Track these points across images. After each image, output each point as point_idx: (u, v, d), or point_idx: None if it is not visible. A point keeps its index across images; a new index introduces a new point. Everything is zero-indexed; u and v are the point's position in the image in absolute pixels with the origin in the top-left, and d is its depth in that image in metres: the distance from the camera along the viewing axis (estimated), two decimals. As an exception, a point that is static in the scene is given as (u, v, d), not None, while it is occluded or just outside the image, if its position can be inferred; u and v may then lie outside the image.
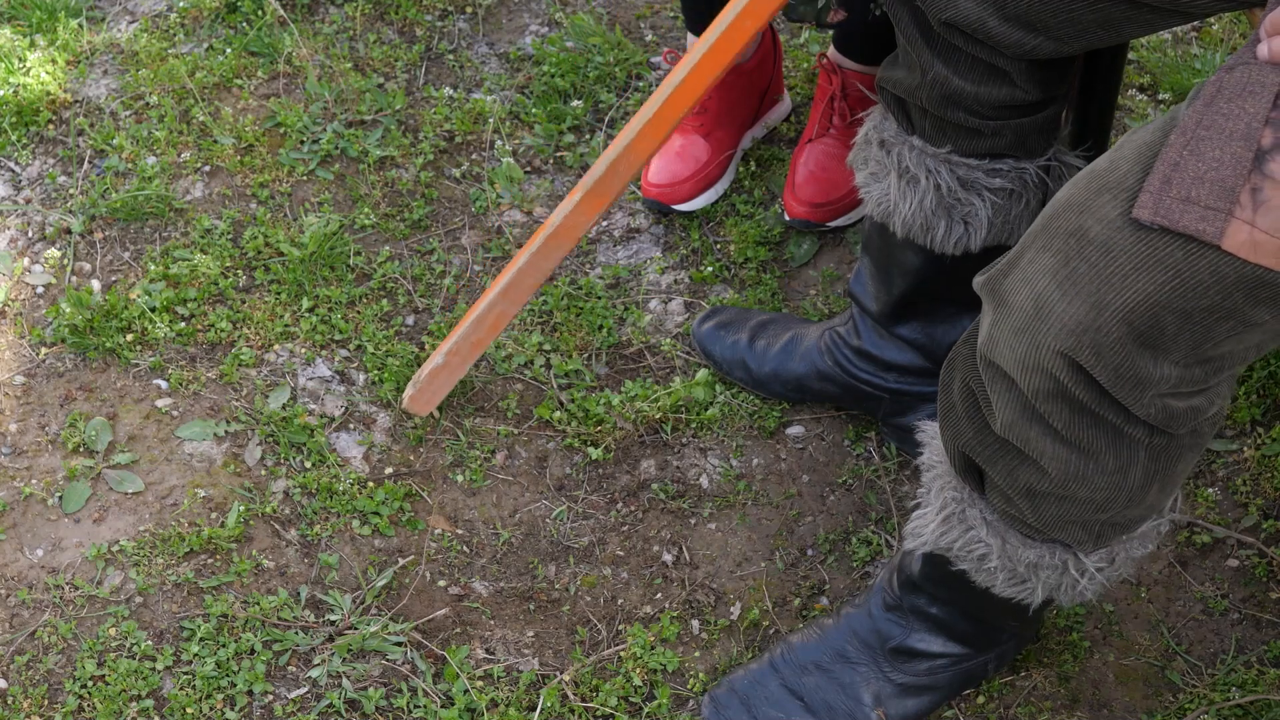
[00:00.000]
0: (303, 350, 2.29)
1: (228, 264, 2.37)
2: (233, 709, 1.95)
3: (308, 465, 2.17)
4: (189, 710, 1.94)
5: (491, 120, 2.56)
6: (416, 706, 1.96)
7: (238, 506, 2.11)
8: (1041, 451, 1.53)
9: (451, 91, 2.61)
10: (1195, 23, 2.72)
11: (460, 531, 2.13)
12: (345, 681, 1.97)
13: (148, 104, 2.57)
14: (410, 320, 2.33)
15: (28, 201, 2.45)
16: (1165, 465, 1.55)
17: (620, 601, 2.07)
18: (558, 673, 2.00)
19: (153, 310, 2.30)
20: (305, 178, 2.49)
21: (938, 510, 1.73)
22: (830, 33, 2.51)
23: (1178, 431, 1.51)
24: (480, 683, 1.98)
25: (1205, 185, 1.31)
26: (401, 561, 2.09)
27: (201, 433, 2.19)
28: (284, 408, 2.22)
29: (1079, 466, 1.53)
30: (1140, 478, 1.55)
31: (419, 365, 2.26)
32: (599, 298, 2.35)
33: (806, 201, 2.37)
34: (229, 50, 2.64)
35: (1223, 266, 1.33)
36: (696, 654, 2.02)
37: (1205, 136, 1.32)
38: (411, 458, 2.19)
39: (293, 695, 1.97)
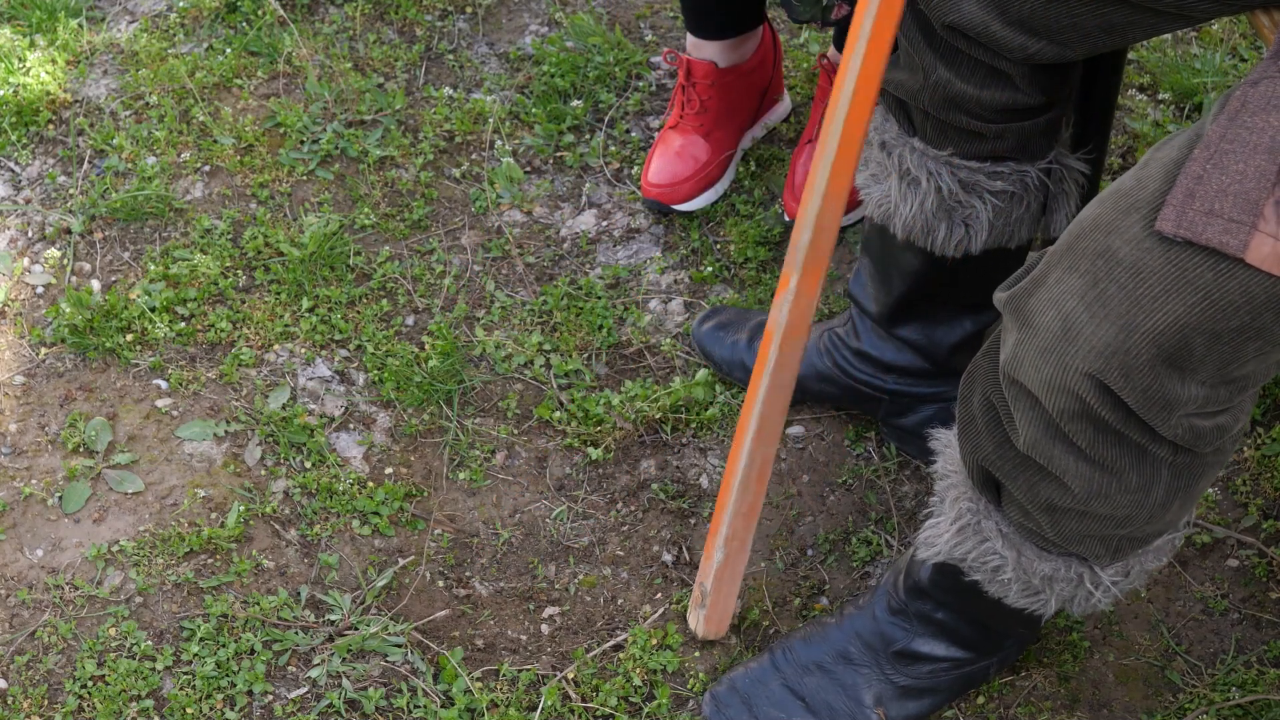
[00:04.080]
0: (303, 350, 2.29)
1: (228, 264, 2.37)
2: (233, 709, 1.95)
3: (308, 465, 2.17)
4: (189, 710, 1.94)
5: (491, 120, 2.56)
6: (416, 706, 1.96)
7: (238, 506, 2.11)
8: (1065, 469, 1.53)
9: (451, 91, 2.61)
10: (1195, 23, 2.72)
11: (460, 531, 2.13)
12: (345, 681, 1.97)
13: (148, 104, 2.57)
14: (410, 320, 2.33)
15: (28, 201, 2.45)
16: (1188, 483, 1.55)
17: (620, 601, 2.07)
18: (558, 673, 2.00)
19: (153, 310, 2.30)
20: (305, 178, 2.49)
21: (952, 521, 1.72)
22: (830, 33, 2.51)
23: (1203, 450, 1.51)
24: (480, 683, 1.98)
25: (1229, 198, 1.31)
26: (401, 561, 2.09)
27: (201, 433, 2.19)
28: (284, 408, 2.22)
29: (1102, 485, 1.53)
30: (1163, 496, 1.54)
31: (416, 364, 2.26)
32: (599, 298, 2.35)
33: (806, 202, 2.37)
34: (229, 50, 2.64)
35: (1253, 286, 1.33)
36: (696, 654, 2.02)
37: (1229, 150, 1.32)
38: (412, 458, 2.19)
39: (293, 695, 1.97)
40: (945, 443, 1.75)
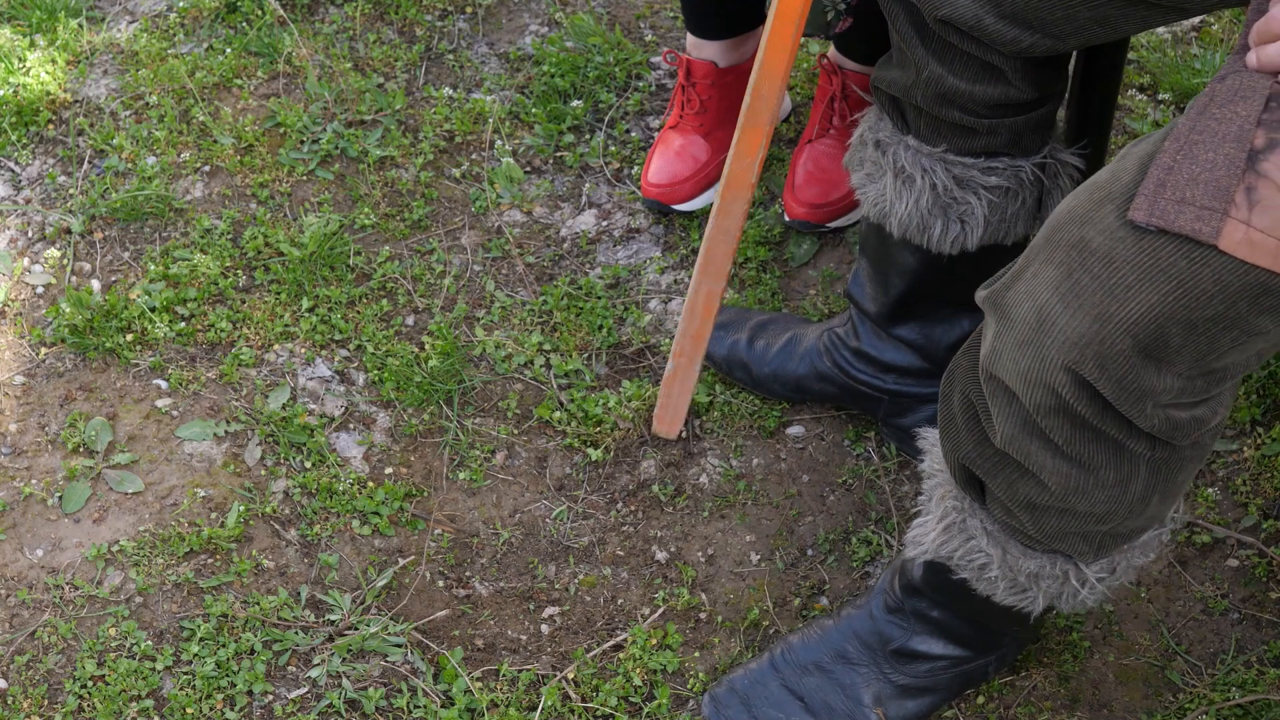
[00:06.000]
0: (303, 350, 2.29)
1: (228, 264, 2.37)
2: (233, 709, 1.95)
3: (308, 465, 2.17)
4: (189, 710, 1.94)
5: (491, 120, 2.56)
6: (416, 706, 1.96)
7: (238, 506, 2.11)
8: (1041, 466, 1.53)
9: (451, 91, 2.61)
10: (1195, 22, 2.72)
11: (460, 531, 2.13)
12: (345, 681, 1.97)
13: (148, 104, 2.57)
14: (410, 320, 2.33)
15: (28, 201, 2.46)
16: (1166, 477, 1.55)
17: (620, 601, 2.07)
18: (558, 673, 2.00)
19: (153, 310, 2.30)
20: (305, 178, 2.49)
21: (938, 519, 1.73)
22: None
23: (1180, 443, 1.51)
24: (480, 683, 1.98)
25: (1200, 186, 1.32)
26: (401, 561, 2.09)
27: (201, 433, 2.19)
28: (284, 408, 2.22)
29: (1079, 481, 1.53)
30: (1141, 490, 1.54)
31: (416, 364, 2.26)
32: (599, 298, 2.35)
33: (806, 202, 2.37)
34: (229, 50, 2.64)
35: (1226, 274, 1.33)
36: (696, 654, 2.02)
37: (1199, 140, 1.32)
38: (412, 458, 2.19)
39: (293, 695, 1.97)
40: (931, 441, 1.75)
